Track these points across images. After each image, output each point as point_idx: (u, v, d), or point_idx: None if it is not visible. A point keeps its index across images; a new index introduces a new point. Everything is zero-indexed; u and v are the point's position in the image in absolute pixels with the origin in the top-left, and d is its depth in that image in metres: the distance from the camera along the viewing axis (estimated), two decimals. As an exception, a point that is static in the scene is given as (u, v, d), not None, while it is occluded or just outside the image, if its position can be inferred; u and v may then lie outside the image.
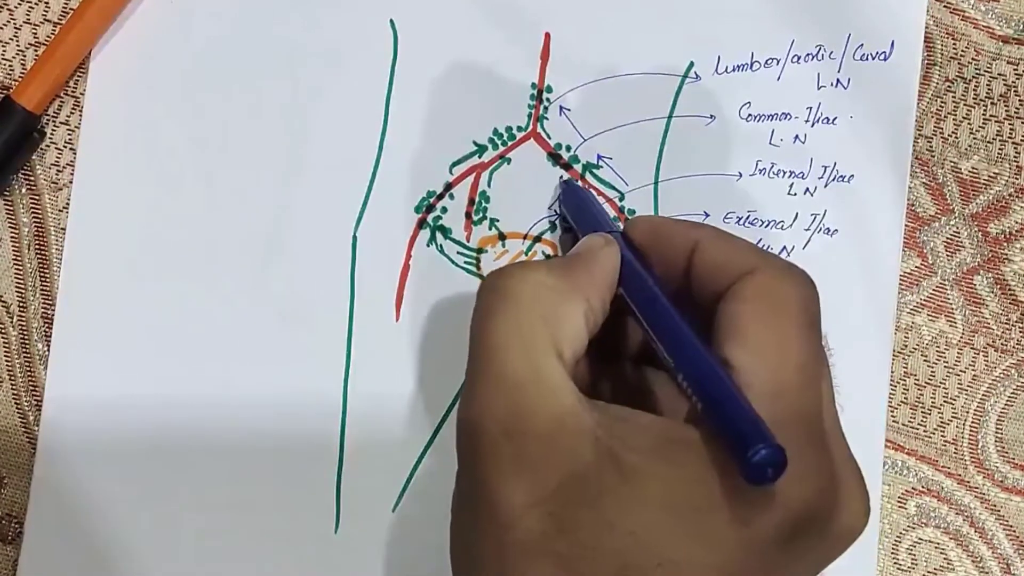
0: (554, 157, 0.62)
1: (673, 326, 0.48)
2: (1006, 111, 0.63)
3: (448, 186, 0.62)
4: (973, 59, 0.63)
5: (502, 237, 0.62)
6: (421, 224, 0.62)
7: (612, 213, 0.62)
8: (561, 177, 0.62)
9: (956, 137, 0.63)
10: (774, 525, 0.44)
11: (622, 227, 0.55)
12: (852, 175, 0.62)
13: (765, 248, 0.57)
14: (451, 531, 0.49)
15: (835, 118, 0.62)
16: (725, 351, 0.46)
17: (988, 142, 0.63)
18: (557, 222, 0.62)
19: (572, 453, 0.45)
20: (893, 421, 0.62)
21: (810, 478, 0.44)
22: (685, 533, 0.44)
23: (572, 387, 0.46)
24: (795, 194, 0.62)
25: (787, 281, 0.48)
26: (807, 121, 0.62)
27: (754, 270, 0.48)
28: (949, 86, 0.63)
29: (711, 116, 0.62)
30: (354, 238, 0.61)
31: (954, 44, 0.63)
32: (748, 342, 0.46)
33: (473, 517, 0.47)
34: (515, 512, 0.44)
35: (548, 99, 0.62)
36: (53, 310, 0.61)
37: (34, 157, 0.62)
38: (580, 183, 0.62)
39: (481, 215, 0.62)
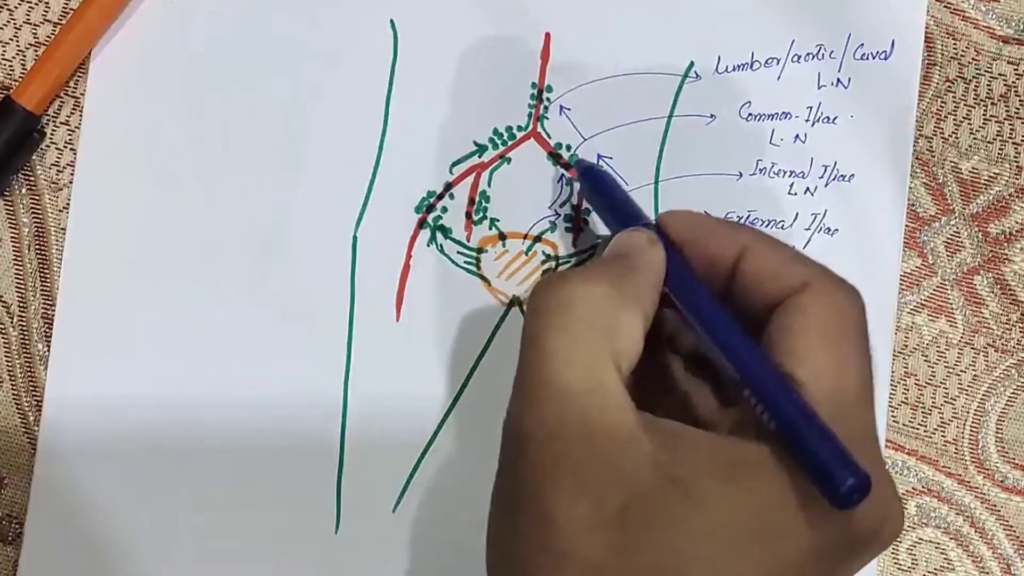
0: (554, 157, 0.62)
1: (735, 336, 0.47)
2: (1006, 111, 0.63)
3: (448, 186, 0.62)
4: (973, 59, 0.63)
5: (502, 237, 0.62)
6: (421, 224, 0.62)
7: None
8: (575, 159, 0.62)
9: (956, 137, 0.63)
10: (840, 544, 0.44)
11: (653, 220, 0.53)
12: (852, 174, 0.62)
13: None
14: (491, 536, 0.48)
15: (835, 117, 0.62)
16: (783, 364, 0.46)
17: (988, 142, 0.63)
18: (557, 221, 0.62)
19: (635, 475, 0.44)
20: (893, 421, 0.62)
21: (873, 499, 0.44)
22: (752, 555, 0.43)
23: (631, 404, 0.45)
24: (795, 194, 0.62)
25: (843, 297, 0.48)
26: (807, 121, 0.62)
27: (809, 283, 0.47)
28: (949, 86, 0.63)
29: (711, 116, 0.62)
30: (354, 238, 0.61)
31: (954, 44, 0.63)
32: (809, 358, 0.46)
33: (523, 528, 0.45)
34: (575, 531, 0.43)
35: (548, 99, 0.62)
36: (53, 310, 0.61)
37: (34, 157, 0.62)
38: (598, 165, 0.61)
39: (481, 215, 0.62)
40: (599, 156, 0.62)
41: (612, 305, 0.47)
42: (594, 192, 0.59)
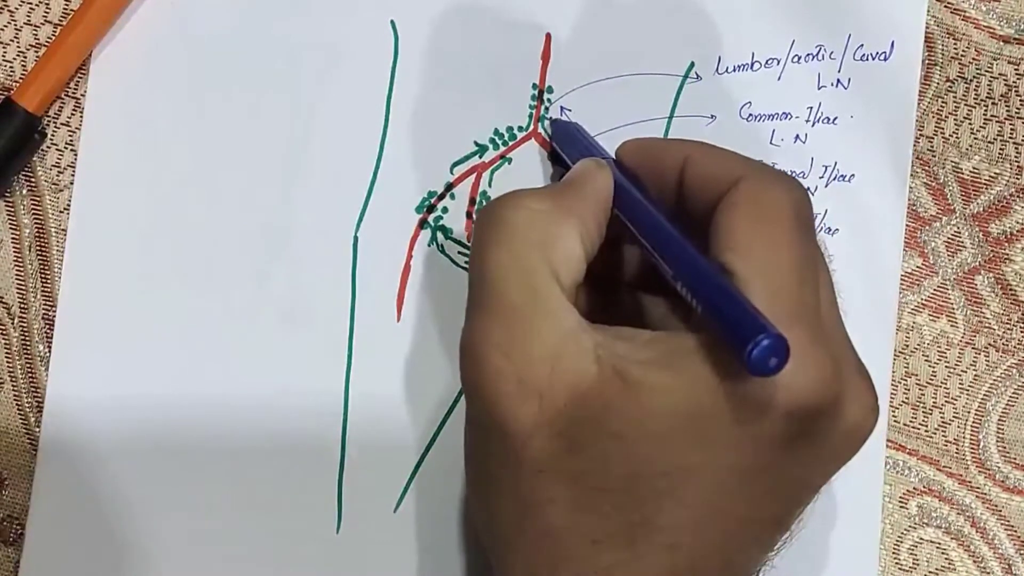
0: (555, 157, 0.62)
1: (668, 236, 0.49)
2: (1007, 111, 0.63)
3: (449, 186, 0.62)
4: (974, 59, 0.63)
5: (503, 237, 0.62)
6: (422, 224, 0.61)
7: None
8: (549, 117, 0.62)
9: (957, 137, 0.63)
10: (780, 421, 0.45)
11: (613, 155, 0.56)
12: (853, 175, 0.62)
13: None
14: (465, 455, 0.51)
15: (835, 118, 0.62)
16: (721, 258, 0.47)
17: (989, 142, 0.63)
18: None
19: (576, 372, 0.45)
20: (894, 421, 0.62)
21: (812, 372, 0.45)
22: (693, 439, 0.45)
23: (571, 309, 0.47)
24: (796, 193, 0.62)
25: (776, 186, 0.49)
26: (808, 121, 0.62)
27: (742, 177, 0.49)
28: (950, 86, 0.63)
29: (712, 116, 0.62)
30: (355, 238, 0.61)
31: (955, 44, 0.63)
32: (742, 247, 0.47)
33: (485, 440, 0.48)
34: (525, 432, 0.46)
35: (549, 99, 0.62)
36: (54, 311, 0.61)
37: (35, 158, 0.62)
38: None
39: (482, 215, 0.62)
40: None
41: (550, 220, 0.49)
42: (563, 140, 0.61)
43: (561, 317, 0.47)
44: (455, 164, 0.62)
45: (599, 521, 0.45)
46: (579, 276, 0.49)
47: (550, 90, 0.62)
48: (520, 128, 0.62)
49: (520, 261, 0.48)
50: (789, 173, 0.51)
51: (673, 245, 0.49)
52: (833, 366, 0.46)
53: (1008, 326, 0.63)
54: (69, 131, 0.62)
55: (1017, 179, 0.63)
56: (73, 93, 0.62)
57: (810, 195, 0.50)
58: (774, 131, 0.62)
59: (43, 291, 0.62)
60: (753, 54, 0.62)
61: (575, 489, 0.45)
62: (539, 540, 0.46)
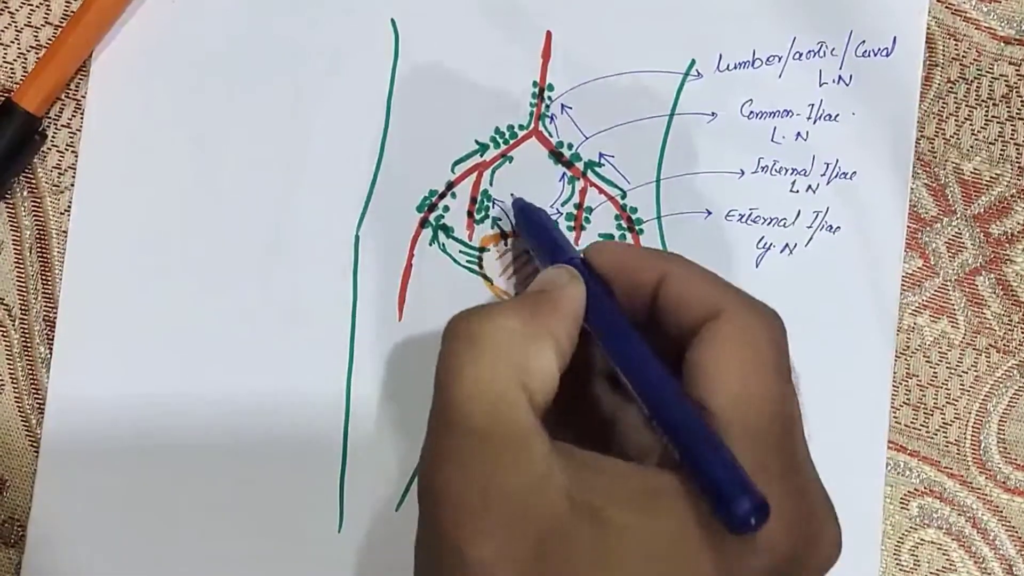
0: (556, 155, 0.62)
1: (645, 367, 0.48)
2: (1008, 112, 0.63)
3: (450, 185, 0.62)
4: (975, 60, 0.63)
5: (504, 236, 0.62)
6: (423, 223, 0.62)
7: (614, 211, 0.62)
8: (512, 195, 0.62)
9: (958, 138, 0.63)
10: (758, 571, 0.44)
11: (582, 254, 0.54)
12: (854, 172, 0.62)
13: (736, 285, 0.53)
14: (416, 573, 0.48)
15: (837, 115, 0.62)
16: (699, 395, 0.46)
17: (990, 143, 0.63)
18: (559, 220, 0.62)
19: (546, 510, 0.44)
20: (895, 422, 0.62)
21: (792, 522, 0.44)
22: None
23: (544, 438, 0.45)
24: (797, 191, 0.62)
25: (757, 323, 0.48)
26: (809, 118, 0.62)
27: (723, 311, 0.48)
28: (951, 87, 0.63)
29: (713, 114, 0.62)
30: (356, 238, 0.61)
31: (956, 45, 0.63)
32: (723, 390, 0.46)
33: (439, 564, 0.45)
34: (487, 565, 0.43)
35: (550, 97, 0.62)
36: (55, 313, 0.61)
37: (35, 160, 0.62)
38: (534, 208, 0.61)
39: (483, 214, 0.62)
40: (601, 154, 0.62)
41: (523, 339, 0.47)
42: (528, 229, 0.59)
43: (533, 449, 0.45)
44: (456, 163, 0.62)
45: None
46: (552, 392, 0.47)
47: (551, 88, 0.62)
48: (521, 127, 0.62)
49: (492, 384, 0.46)
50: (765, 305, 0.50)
51: (651, 377, 0.47)
52: (808, 512, 0.46)
53: (1009, 327, 0.63)
54: (70, 133, 0.62)
55: (1018, 180, 0.63)
56: (74, 94, 0.62)
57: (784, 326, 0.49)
58: (775, 128, 0.62)
59: (44, 293, 0.62)
60: (754, 51, 0.63)
61: None
62: None
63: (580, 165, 0.62)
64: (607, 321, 0.50)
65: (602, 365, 0.55)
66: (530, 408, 0.46)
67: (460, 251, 0.61)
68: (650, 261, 0.52)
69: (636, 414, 0.51)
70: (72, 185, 0.62)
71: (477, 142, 0.62)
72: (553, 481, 0.44)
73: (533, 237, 0.59)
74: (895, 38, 0.63)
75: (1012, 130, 0.63)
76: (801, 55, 0.62)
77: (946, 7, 0.63)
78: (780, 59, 0.62)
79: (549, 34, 0.62)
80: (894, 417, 0.62)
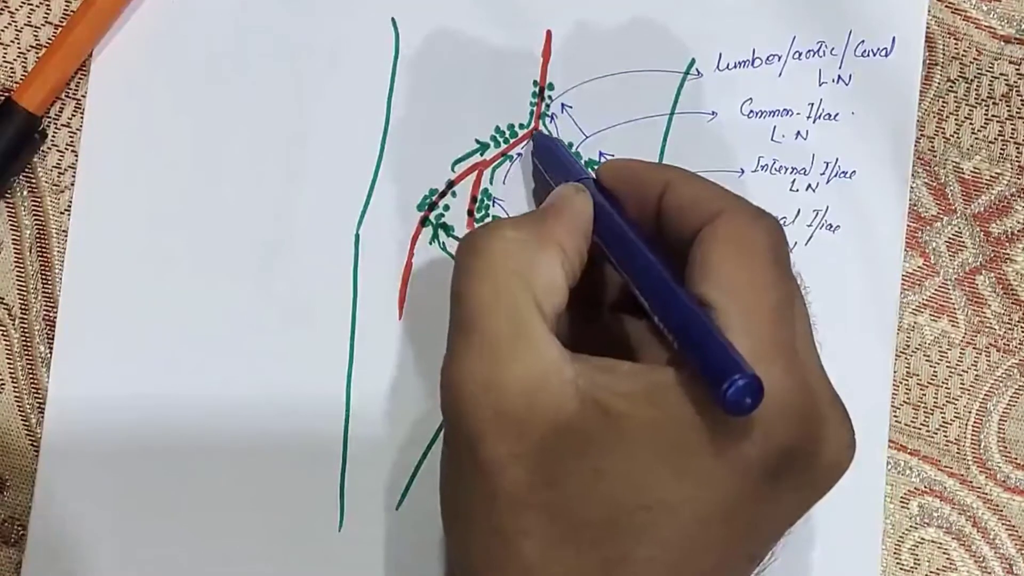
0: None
1: (648, 268, 0.49)
2: (1008, 111, 0.64)
3: (450, 184, 0.62)
4: (975, 59, 0.63)
5: (504, 235, 0.62)
6: (423, 222, 0.62)
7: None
8: (532, 130, 0.62)
9: (958, 137, 0.63)
10: (759, 457, 0.45)
11: (593, 174, 0.56)
12: (854, 171, 0.62)
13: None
14: (440, 488, 0.51)
15: (837, 114, 0.62)
16: (699, 291, 0.47)
17: (990, 142, 0.63)
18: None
19: (555, 404, 0.45)
20: (895, 421, 0.62)
21: (790, 409, 0.45)
22: (673, 473, 0.44)
23: (553, 340, 0.47)
24: (797, 190, 0.62)
25: (756, 223, 0.49)
26: (809, 117, 0.62)
27: (723, 212, 0.49)
28: (951, 86, 0.63)
29: (713, 113, 0.62)
30: (356, 236, 0.61)
31: (956, 44, 0.63)
32: (721, 282, 0.47)
33: (460, 472, 0.48)
34: (500, 464, 0.45)
35: (550, 96, 0.62)
36: (55, 312, 0.61)
37: (35, 159, 0.62)
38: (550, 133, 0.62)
39: (484, 213, 0.62)
40: (601, 153, 0.62)
41: (530, 249, 0.49)
42: (543, 157, 0.61)
43: (542, 348, 0.46)
44: (456, 162, 0.62)
45: (575, 557, 0.45)
46: (561, 304, 0.49)
47: (551, 87, 0.62)
48: (521, 126, 0.62)
49: (501, 291, 0.47)
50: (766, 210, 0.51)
51: (652, 277, 0.49)
52: (811, 404, 0.46)
53: (1009, 326, 0.63)
54: (70, 132, 0.62)
55: (1018, 179, 0.63)
56: (74, 94, 0.62)
57: (785, 231, 0.50)
58: (775, 128, 0.62)
59: (44, 292, 0.62)
60: (754, 50, 0.63)
61: (552, 523, 0.45)
62: (513, 575, 0.46)
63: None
64: (614, 233, 0.52)
65: (617, 296, 0.56)
66: (537, 311, 0.47)
67: (461, 250, 0.61)
68: (653, 173, 0.54)
69: (651, 341, 0.52)
70: (72, 185, 0.62)
71: (477, 141, 0.62)
72: (562, 376, 0.46)
73: (547, 164, 0.60)
74: (895, 37, 0.63)
75: (1012, 129, 0.63)
76: (801, 54, 0.62)
77: (946, 6, 0.63)
78: (780, 58, 0.62)
79: (549, 33, 0.62)
80: (894, 416, 0.62)
